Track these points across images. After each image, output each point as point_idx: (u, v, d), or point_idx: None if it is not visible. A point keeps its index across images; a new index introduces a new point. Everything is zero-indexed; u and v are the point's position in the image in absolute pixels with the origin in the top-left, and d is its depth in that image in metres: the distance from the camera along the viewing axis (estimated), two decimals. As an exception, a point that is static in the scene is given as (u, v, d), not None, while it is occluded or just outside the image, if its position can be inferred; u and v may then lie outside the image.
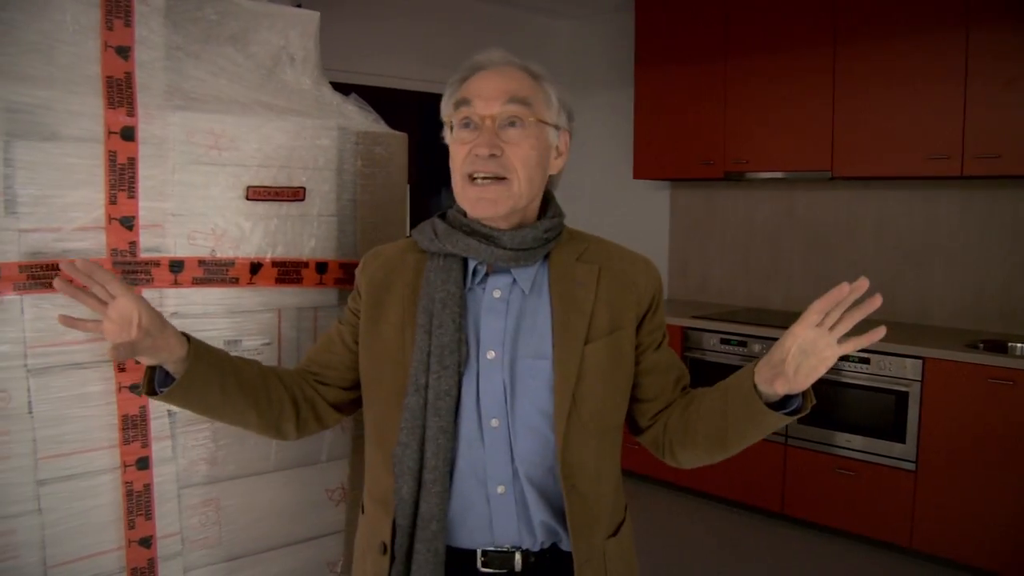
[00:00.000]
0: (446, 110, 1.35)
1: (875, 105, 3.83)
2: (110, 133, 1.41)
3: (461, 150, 1.30)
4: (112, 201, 1.42)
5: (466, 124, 1.30)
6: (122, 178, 1.42)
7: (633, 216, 5.32)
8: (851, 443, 3.77)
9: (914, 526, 3.58)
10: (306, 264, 1.62)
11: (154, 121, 1.45)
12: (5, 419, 1.35)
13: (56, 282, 1.22)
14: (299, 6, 3.67)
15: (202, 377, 1.27)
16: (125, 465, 1.45)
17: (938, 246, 4.04)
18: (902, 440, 3.59)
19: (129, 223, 1.44)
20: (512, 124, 1.29)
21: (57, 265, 1.34)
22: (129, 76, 1.42)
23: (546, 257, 1.36)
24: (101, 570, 1.43)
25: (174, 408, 1.44)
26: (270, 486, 1.63)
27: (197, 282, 1.51)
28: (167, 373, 1.28)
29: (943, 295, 4.04)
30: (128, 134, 1.42)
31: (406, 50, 4.63)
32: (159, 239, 1.48)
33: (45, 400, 1.38)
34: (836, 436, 3.82)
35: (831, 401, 3.82)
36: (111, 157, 1.41)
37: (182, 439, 1.52)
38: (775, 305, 4.68)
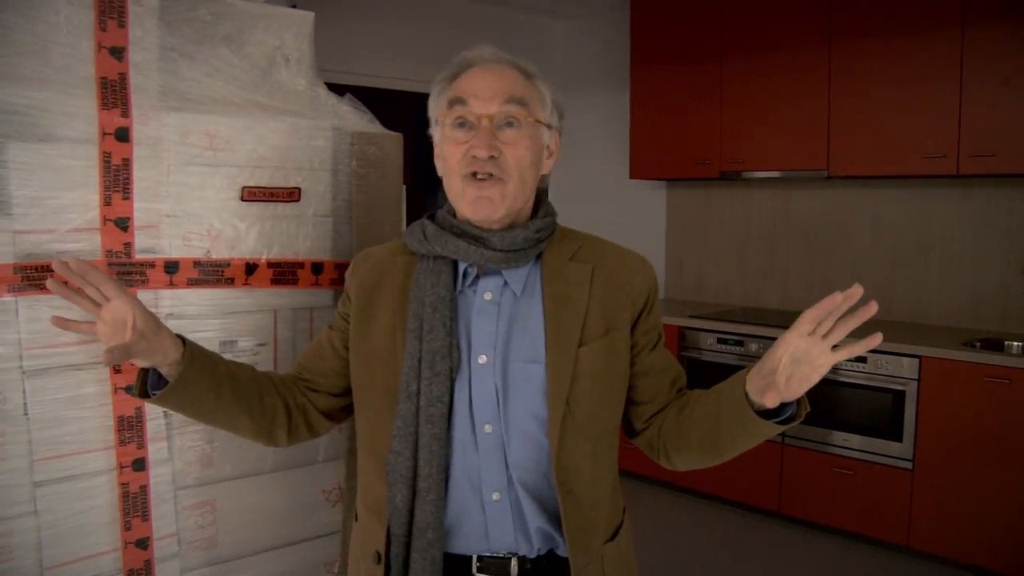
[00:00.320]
0: (437, 109, 1.32)
1: (871, 104, 3.83)
2: (104, 134, 1.40)
3: (456, 150, 1.26)
4: (107, 202, 1.41)
5: (461, 124, 1.27)
6: (117, 179, 1.42)
7: (629, 216, 5.32)
8: (848, 442, 3.77)
9: (911, 525, 3.58)
10: (302, 265, 1.62)
11: (149, 122, 1.45)
12: (1, 421, 1.35)
13: (49, 283, 1.21)
14: (294, 7, 3.66)
15: (196, 380, 1.26)
16: (121, 466, 1.44)
17: (934, 245, 4.05)
18: (899, 439, 3.60)
19: (124, 224, 1.43)
20: (509, 125, 1.26)
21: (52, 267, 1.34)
22: (123, 77, 1.42)
23: (538, 257, 1.33)
24: (98, 571, 1.43)
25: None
26: (266, 487, 1.62)
27: (192, 283, 1.51)
28: (160, 375, 1.27)
29: (939, 294, 4.05)
30: (123, 135, 1.42)
31: (401, 50, 4.64)
32: (154, 240, 1.47)
33: (41, 402, 1.37)
34: (833, 435, 3.82)
35: (828, 400, 3.82)
36: (106, 158, 1.41)
37: (178, 440, 1.51)
38: (771, 304, 4.68)
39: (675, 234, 5.14)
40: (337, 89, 1.76)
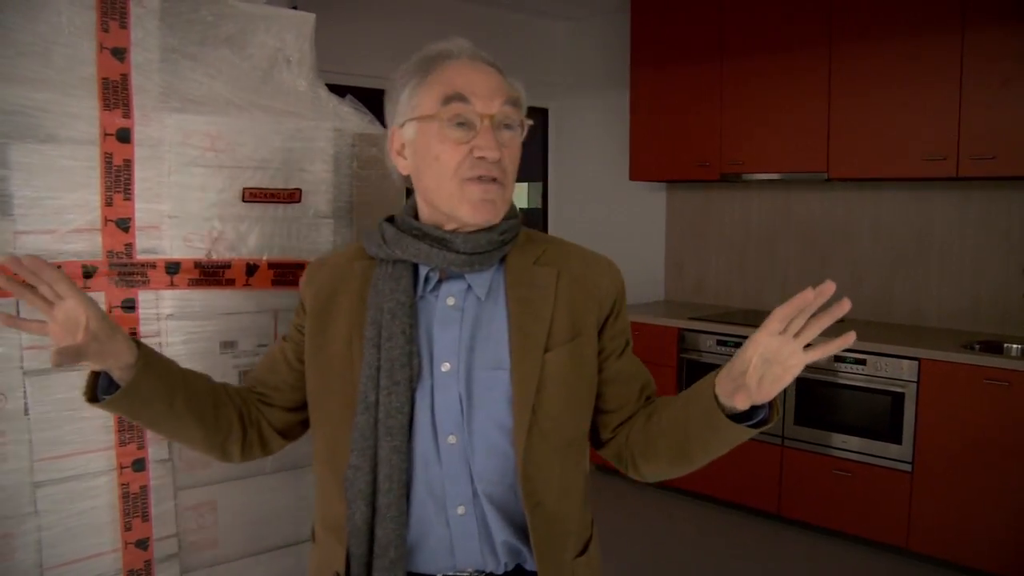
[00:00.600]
0: (423, 104, 1.22)
1: (871, 106, 3.84)
2: (106, 135, 1.41)
3: (456, 151, 1.19)
4: (108, 203, 1.42)
5: (460, 123, 1.19)
6: (118, 180, 1.42)
7: (629, 218, 5.33)
8: (847, 444, 3.77)
9: (911, 527, 3.59)
10: (302, 266, 1.62)
11: (150, 123, 1.45)
12: (2, 421, 1.35)
13: None
14: (295, 8, 3.67)
15: (149, 386, 1.19)
16: (121, 467, 1.44)
17: (934, 247, 4.05)
18: (898, 441, 3.60)
19: (125, 225, 1.44)
20: (507, 127, 1.22)
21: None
22: (125, 78, 1.42)
23: (501, 261, 1.28)
24: (98, 572, 1.43)
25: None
26: (267, 488, 1.62)
27: (193, 284, 1.51)
28: (112, 380, 1.20)
29: (939, 296, 4.06)
30: (124, 136, 1.42)
31: (402, 52, 4.60)
32: (155, 241, 1.48)
33: (42, 402, 1.38)
34: (832, 437, 3.82)
35: (827, 402, 3.83)
36: (107, 159, 1.41)
37: (178, 441, 1.51)
38: (771, 306, 4.60)
39: (675, 236, 5.14)
40: (338, 90, 1.76)
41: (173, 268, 1.48)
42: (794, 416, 3.94)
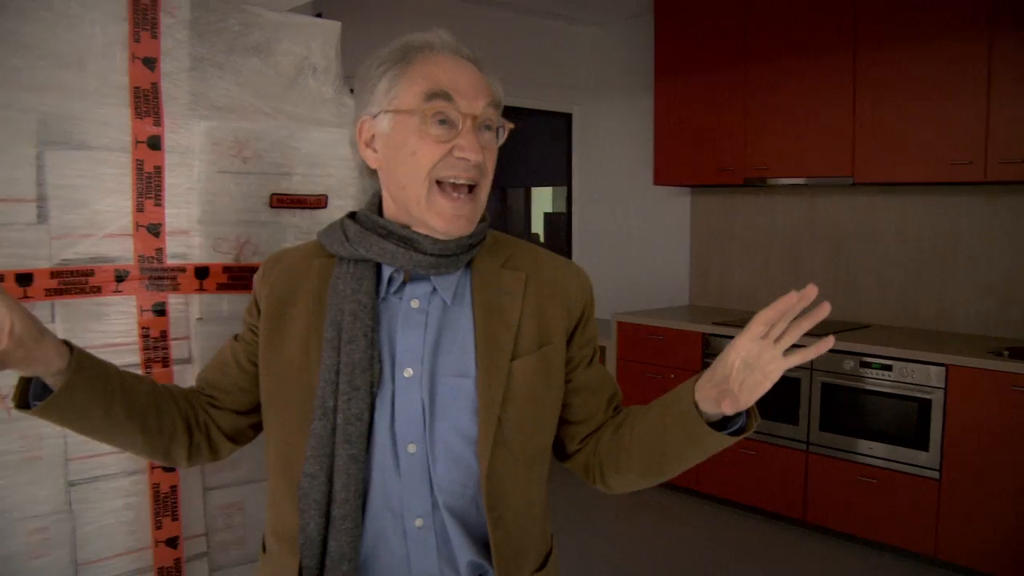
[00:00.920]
0: (402, 97, 1.16)
1: (896, 110, 3.81)
2: (137, 142, 1.44)
3: (435, 150, 1.13)
4: (139, 209, 1.45)
5: (442, 121, 1.14)
6: (149, 186, 1.46)
7: (654, 223, 5.33)
8: (873, 451, 3.74)
9: (938, 535, 3.55)
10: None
11: (180, 130, 1.49)
12: (37, 422, 1.38)
13: None
14: (320, 16, 3.70)
15: (83, 391, 1.11)
16: (152, 467, 1.47)
17: (961, 252, 4.01)
18: (925, 448, 3.57)
19: (156, 230, 1.47)
20: (488, 128, 1.18)
21: (87, 271, 1.38)
22: (155, 87, 1.46)
23: (468, 264, 1.23)
24: (130, 568, 1.46)
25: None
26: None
27: (222, 288, 1.54)
28: (45, 385, 1.11)
29: (966, 301, 4.01)
30: (155, 143, 1.46)
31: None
32: (185, 246, 1.51)
33: (75, 403, 1.41)
34: (858, 443, 3.79)
35: (853, 408, 3.80)
36: (138, 166, 1.44)
37: (207, 442, 1.54)
38: (797, 312, 4.64)
39: (699, 241, 5.13)
40: (363, 98, 1.79)
41: (202, 272, 1.51)
42: (819, 422, 3.91)
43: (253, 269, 1.56)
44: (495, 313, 1.19)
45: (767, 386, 1.05)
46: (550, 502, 1.32)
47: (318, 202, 1.64)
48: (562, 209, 5.98)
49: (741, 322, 4.36)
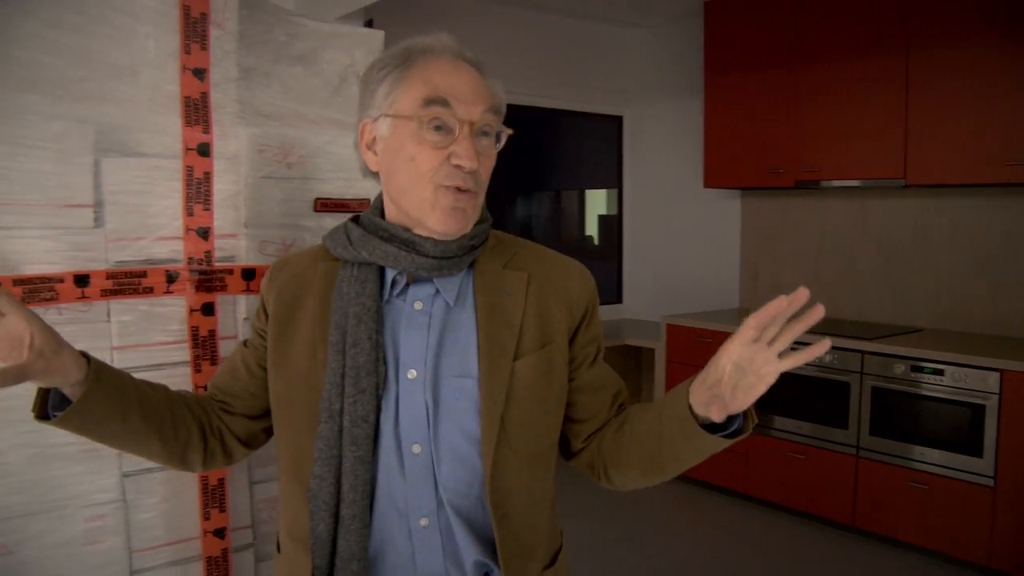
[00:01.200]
0: (401, 101, 1.16)
1: (950, 111, 3.75)
2: (187, 149, 1.51)
3: (433, 156, 1.14)
4: (189, 213, 1.52)
5: (438, 127, 1.14)
6: (199, 191, 1.52)
7: (704, 225, 5.31)
8: (926, 456, 3.68)
9: (992, 543, 3.47)
10: (370, 272, 1.70)
11: (227, 137, 1.55)
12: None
13: None
14: (371, 22, 3.74)
15: (102, 402, 1.13)
16: (201, 460, 1.53)
17: (1017, 254, 3.92)
18: (979, 455, 3.49)
19: (205, 233, 1.53)
20: (485, 134, 1.17)
21: (140, 273, 1.45)
22: (205, 96, 1.52)
23: (471, 265, 1.24)
24: (179, 557, 1.53)
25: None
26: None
27: (267, 289, 1.59)
28: (64, 395, 1.13)
29: (1022, 306, 3.92)
30: (204, 150, 1.52)
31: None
32: (232, 249, 1.57)
33: (129, 398, 1.47)
34: (910, 449, 3.73)
35: (904, 413, 3.74)
36: (188, 172, 1.51)
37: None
38: (848, 315, 4.59)
39: (750, 243, 5.09)
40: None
41: (249, 274, 1.57)
42: (869, 426, 3.86)
43: (297, 271, 1.61)
44: (497, 314, 1.20)
45: (762, 389, 1.04)
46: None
47: (361, 206, 1.69)
48: (613, 211, 5.99)
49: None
